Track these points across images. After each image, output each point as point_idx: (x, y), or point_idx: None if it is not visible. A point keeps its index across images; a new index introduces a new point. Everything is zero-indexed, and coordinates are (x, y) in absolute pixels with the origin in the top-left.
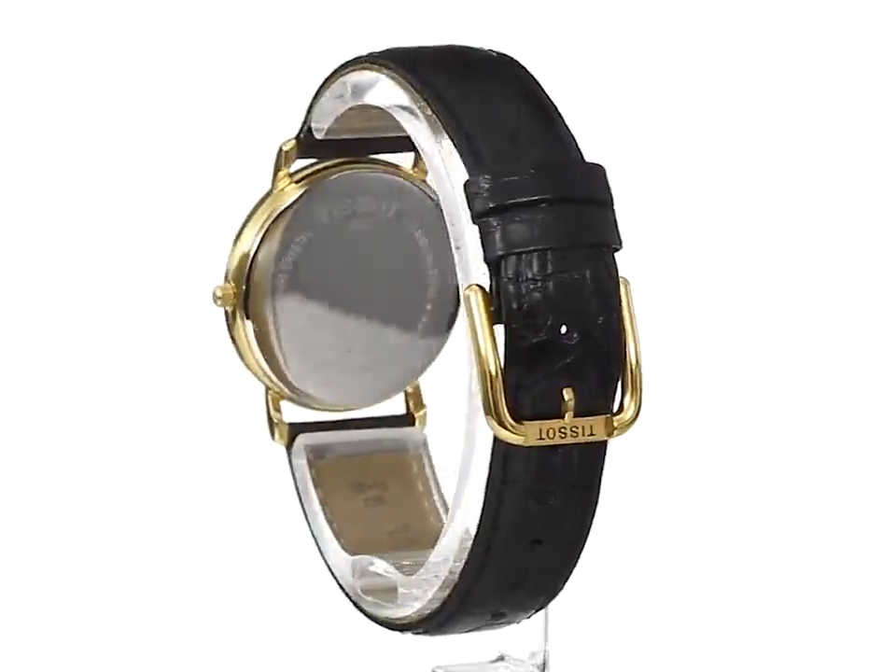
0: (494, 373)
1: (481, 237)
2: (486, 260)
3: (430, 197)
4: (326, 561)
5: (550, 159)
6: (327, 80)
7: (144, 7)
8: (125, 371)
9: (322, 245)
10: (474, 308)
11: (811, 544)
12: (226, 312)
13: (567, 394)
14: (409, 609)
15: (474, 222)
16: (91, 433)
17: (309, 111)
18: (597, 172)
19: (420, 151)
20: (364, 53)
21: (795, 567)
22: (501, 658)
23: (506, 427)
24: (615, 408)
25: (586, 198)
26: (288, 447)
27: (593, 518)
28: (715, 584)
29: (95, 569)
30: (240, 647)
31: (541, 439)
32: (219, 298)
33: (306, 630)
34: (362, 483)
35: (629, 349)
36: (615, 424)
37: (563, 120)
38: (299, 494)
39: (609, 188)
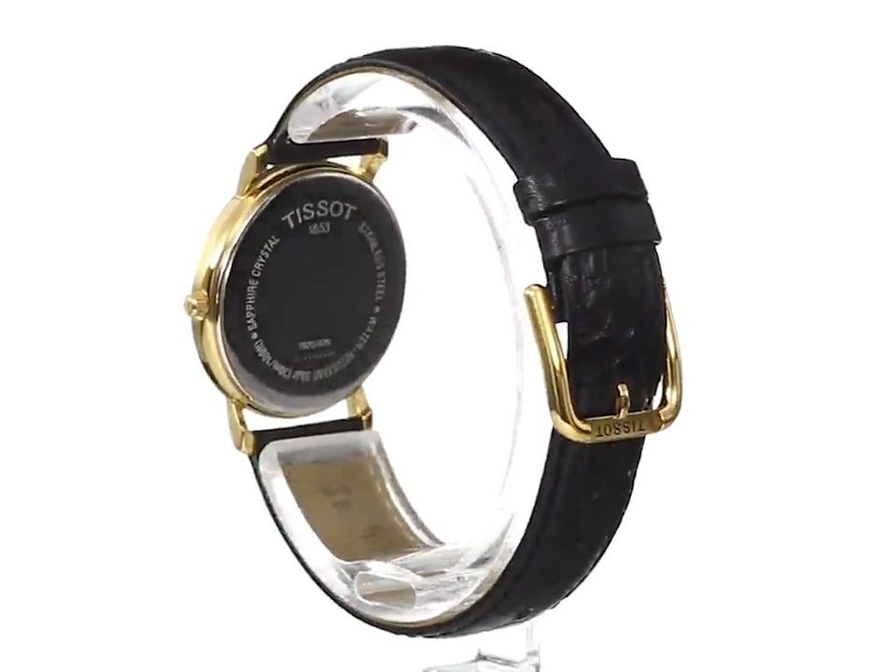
0: (560, 371)
1: (538, 238)
2: (545, 260)
3: (379, 197)
4: (308, 567)
5: (586, 156)
6: (311, 84)
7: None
8: (76, 385)
9: (288, 250)
10: (537, 307)
11: (807, 548)
12: (195, 321)
13: (623, 390)
14: (430, 612)
15: (529, 223)
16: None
17: (284, 116)
18: (633, 167)
19: (451, 152)
20: (351, 57)
21: (793, 571)
22: (483, 657)
23: (573, 424)
24: (655, 402)
25: (631, 194)
26: (254, 455)
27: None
28: (707, 583)
29: (59, 587)
30: (221, 654)
31: (600, 435)
32: (195, 307)
33: (292, 636)
34: (328, 489)
35: (669, 343)
36: (662, 418)
37: (581, 117)
38: (269, 502)
39: (644, 182)
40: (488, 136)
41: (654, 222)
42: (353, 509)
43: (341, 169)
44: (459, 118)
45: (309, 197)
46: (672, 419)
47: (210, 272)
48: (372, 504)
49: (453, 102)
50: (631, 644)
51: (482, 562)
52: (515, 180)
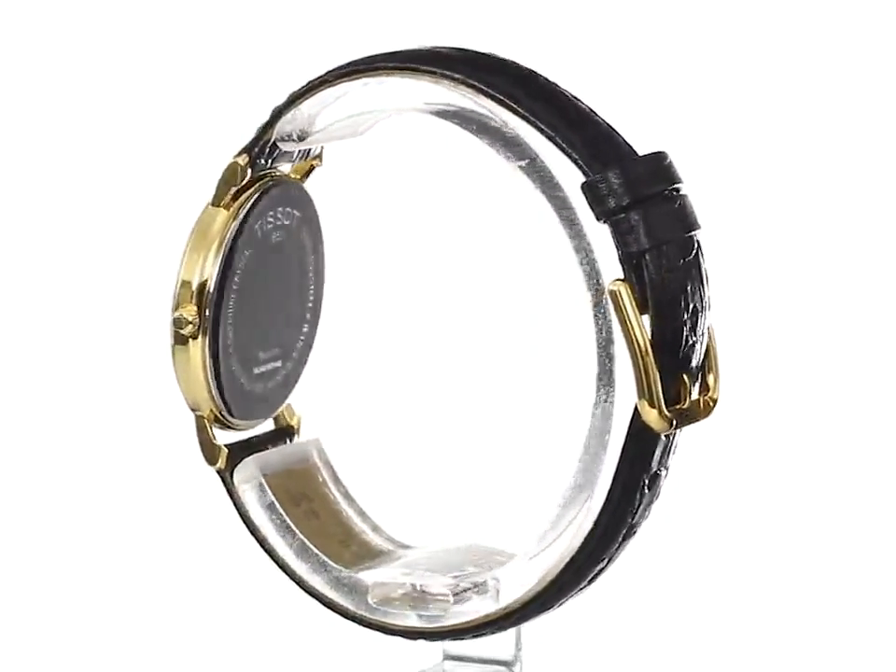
0: (651, 362)
1: (617, 234)
2: (625, 255)
3: (313, 202)
4: (300, 578)
5: (624, 153)
6: (306, 91)
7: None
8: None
9: (257, 260)
10: (625, 301)
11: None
12: (181, 336)
13: (687, 378)
14: (463, 615)
15: (603, 221)
16: None
17: (271, 124)
18: (670, 160)
19: (501, 153)
20: (353, 61)
21: (787, 579)
22: (452, 658)
23: (660, 413)
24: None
25: (677, 187)
26: (227, 470)
27: None
28: (687, 587)
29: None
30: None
31: (674, 424)
32: (189, 322)
33: (279, 644)
34: (296, 499)
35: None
36: (710, 404)
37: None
38: (245, 516)
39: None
40: (550, 136)
41: (694, 212)
42: (321, 517)
43: (286, 175)
44: (507, 117)
45: (271, 205)
46: (715, 405)
47: (198, 286)
48: (330, 510)
49: (499, 102)
50: (607, 642)
51: (542, 564)
52: (583, 179)
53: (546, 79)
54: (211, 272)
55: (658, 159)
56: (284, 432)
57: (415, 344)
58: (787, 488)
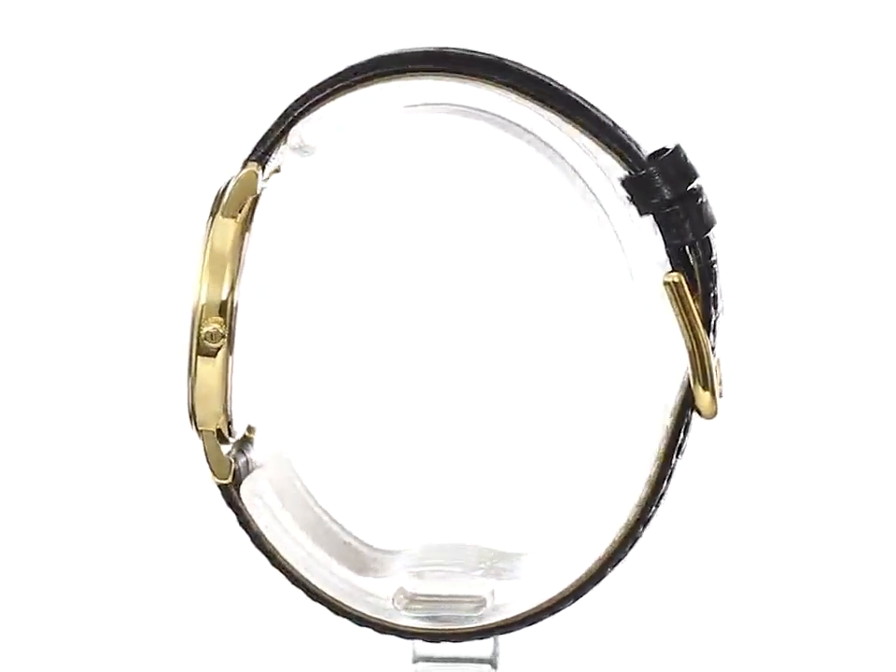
0: (709, 348)
1: (667, 227)
2: (674, 246)
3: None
4: (316, 588)
5: (643, 150)
6: (329, 94)
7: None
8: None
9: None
10: (685, 291)
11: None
12: (211, 349)
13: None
14: (497, 615)
15: (649, 213)
16: None
17: (287, 128)
18: (686, 154)
19: (552, 152)
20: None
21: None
22: (423, 659)
23: (715, 398)
24: None
25: (699, 183)
26: (234, 485)
27: None
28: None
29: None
30: None
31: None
32: (222, 336)
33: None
34: (294, 507)
35: None
36: (722, 392)
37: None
38: (259, 531)
39: None
40: (595, 135)
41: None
42: (311, 523)
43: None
44: (551, 117)
45: (259, 213)
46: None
47: (222, 300)
48: (316, 516)
49: (538, 102)
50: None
51: (562, 555)
52: (626, 174)
53: (556, 80)
54: (232, 285)
55: (681, 156)
56: (245, 443)
57: (407, 344)
58: (771, 482)
